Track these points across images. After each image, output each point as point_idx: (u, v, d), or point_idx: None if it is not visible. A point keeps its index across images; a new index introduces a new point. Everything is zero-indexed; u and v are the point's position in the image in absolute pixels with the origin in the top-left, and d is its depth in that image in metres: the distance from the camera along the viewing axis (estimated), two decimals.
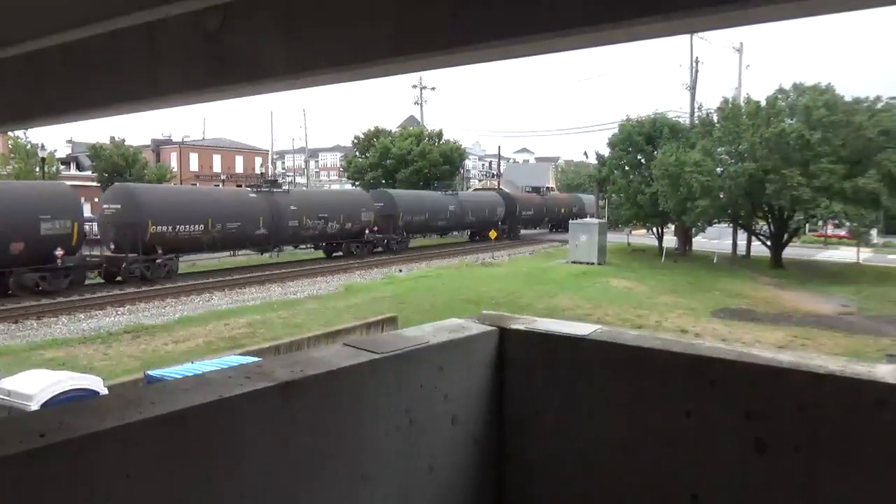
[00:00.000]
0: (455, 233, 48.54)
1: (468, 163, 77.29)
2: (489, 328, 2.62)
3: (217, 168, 69.28)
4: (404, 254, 37.83)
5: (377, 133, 57.82)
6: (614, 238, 40.88)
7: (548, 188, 72.33)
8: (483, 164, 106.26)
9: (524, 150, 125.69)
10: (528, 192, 65.03)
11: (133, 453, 1.55)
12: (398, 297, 22.97)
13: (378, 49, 2.79)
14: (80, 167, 56.89)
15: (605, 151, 42.52)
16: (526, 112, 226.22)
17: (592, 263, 32.90)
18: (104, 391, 9.09)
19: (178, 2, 2.81)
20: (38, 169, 35.68)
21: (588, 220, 39.37)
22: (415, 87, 65.38)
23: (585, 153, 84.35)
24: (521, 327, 2.63)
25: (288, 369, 1.98)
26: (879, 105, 32.51)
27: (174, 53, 3.40)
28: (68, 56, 3.63)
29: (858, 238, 38.84)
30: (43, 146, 35.78)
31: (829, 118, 30.60)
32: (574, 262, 33.26)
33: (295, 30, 3.06)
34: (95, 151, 47.32)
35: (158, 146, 67.02)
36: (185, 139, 71.04)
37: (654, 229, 41.14)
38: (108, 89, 3.64)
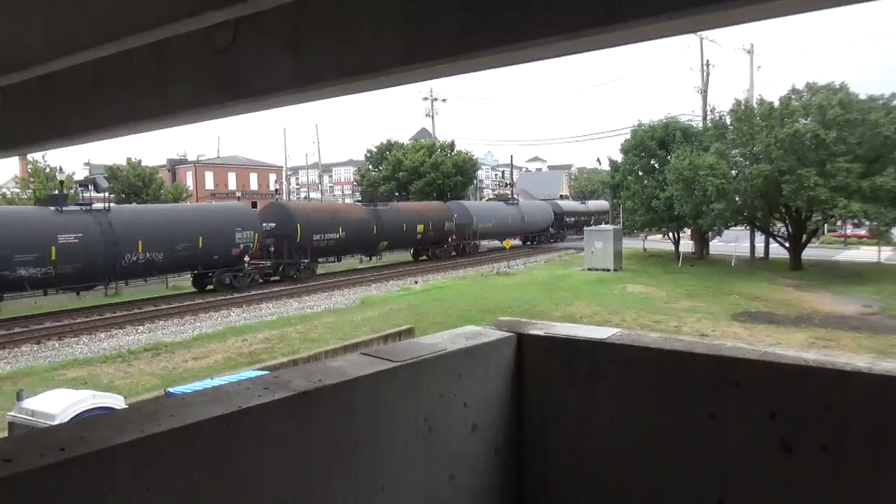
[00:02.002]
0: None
1: (481, 173, 77.33)
2: (507, 334, 2.60)
3: (232, 186, 69.93)
4: None
5: (389, 146, 58.08)
6: (630, 244, 40.64)
7: (561, 196, 70.86)
8: (496, 174, 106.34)
9: (536, 159, 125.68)
10: (348, 200, 45.24)
11: (152, 465, 1.55)
12: (414, 308, 22.96)
13: (386, 59, 2.80)
14: (97, 188, 57.55)
15: (618, 157, 42.38)
16: (538, 121, 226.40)
17: (608, 270, 32.73)
18: None
19: (187, 19, 2.84)
20: (56, 192, 36.17)
21: (603, 226, 39.13)
22: (426, 99, 65.74)
23: (598, 160, 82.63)
24: (539, 332, 2.61)
25: (305, 379, 1.97)
26: (895, 102, 32.14)
27: (185, 71, 3.44)
28: (80, 77, 3.68)
29: (879, 237, 38.30)
30: (61, 169, 36.27)
31: (844, 117, 30.28)
32: (590, 269, 33.10)
33: (304, 43, 3.08)
34: (112, 173, 47.91)
35: (174, 166, 67.77)
36: (200, 158, 71.81)
37: (670, 234, 40.85)
38: (120, 109, 3.68)
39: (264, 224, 29.50)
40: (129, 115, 3.80)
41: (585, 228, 38.89)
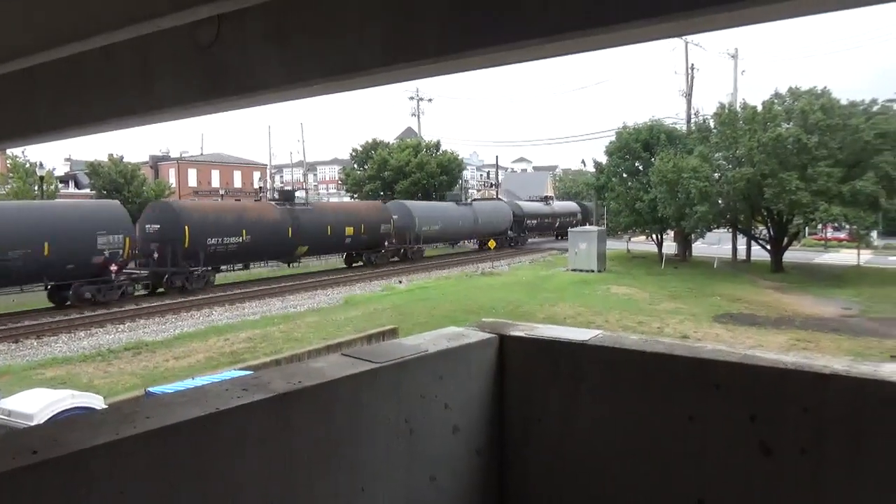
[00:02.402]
0: None
1: (466, 173, 77.35)
2: (489, 335, 2.59)
3: (216, 183, 69.42)
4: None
5: (375, 145, 57.99)
6: (613, 245, 40.86)
7: (547, 197, 69.45)
8: (481, 175, 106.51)
9: (522, 160, 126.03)
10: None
11: (127, 468, 1.53)
12: (398, 308, 22.93)
13: (369, 59, 2.78)
14: (78, 185, 57.01)
15: (603, 159, 42.62)
16: (523, 121, 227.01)
17: (592, 271, 32.89)
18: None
19: (169, 15, 2.80)
20: (36, 188, 35.71)
21: (587, 227, 39.27)
22: (412, 98, 65.66)
23: (583, 161, 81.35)
24: (521, 334, 2.61)
25: (285, 381, 1.95)
26: (875, 108, 32.63)
27: (168, 67, 3.40)
28: (61, 72, 3.63)
29: (858, 240, 38.88)
30: (41, 164, 35.83)
31: (825, 122, 30.70)
32: (574, 270, 33.24)
33: (289, 40, 3.06)
34: (94, 169, 47.42)
35: (157, 162, 67.17)
36: (183, 155, 71.23)
37: (654, 236, 41.15)
38: (101, 105, 3.64)
39: (148, 226, 25.69)
40: (111, 112, 3.75)
41: (570, 230, 38.93)
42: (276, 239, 29.08)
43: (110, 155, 48.52)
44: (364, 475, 2.09)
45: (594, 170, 45.06)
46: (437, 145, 57.60)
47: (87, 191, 50.18)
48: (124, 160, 48.81)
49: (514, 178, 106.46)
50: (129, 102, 3.64)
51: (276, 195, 34.84)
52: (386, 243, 36.14)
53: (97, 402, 9.18)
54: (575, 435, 2.43)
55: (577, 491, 2.43)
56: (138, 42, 3.29)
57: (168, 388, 9.56)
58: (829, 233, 55.23)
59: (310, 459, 1.93)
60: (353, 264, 36.08)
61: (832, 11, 2.37)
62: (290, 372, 2.06)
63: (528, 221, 51.53)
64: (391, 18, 2.78)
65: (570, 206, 62.56)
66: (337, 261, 37.52)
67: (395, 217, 36.64)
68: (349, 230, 33.22)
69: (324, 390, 1.98)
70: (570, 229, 39.43)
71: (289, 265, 32.59)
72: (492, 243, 41.71)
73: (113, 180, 45.80)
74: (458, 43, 2.61)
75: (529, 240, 52.75)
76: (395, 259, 37.49)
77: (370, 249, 35.36)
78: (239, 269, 30.11)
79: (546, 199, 60.76)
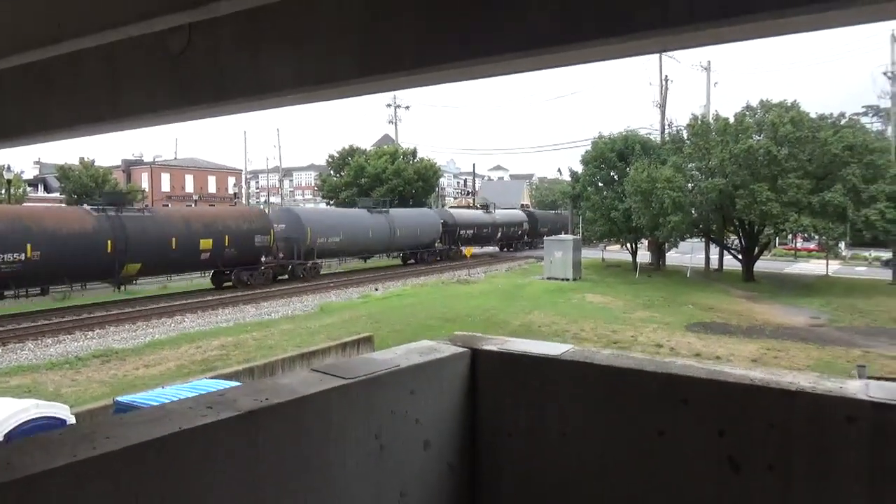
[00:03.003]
0: None
1: (443, 181, 77.42)
2: (461, 350, 2.58)
3: (190, 188, 68.62)
4: None
5: (352, 152, 57.84)
6: (588, 254, 41.16)
7: (522, 205, 69.27)
8: (458, 182, 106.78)
9: (499, 168, 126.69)
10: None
11: (86, 492, 1.48)
12: (373, 316, 22.82)
13: (344, 69, 2.77)
14: (47, 189, 55.95)
15: (579, 168, 42.99)
16: (501, 130, 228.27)
17: (568, 279, 33.09)
18: (71, 419, 8.84)
19: (138, 22, 2.76)
20: (3, 191, 34.98)
21: (563, 236, 39.46)
22: (389, 105, 65.68)
23: (559, 170, 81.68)
24: (494, 348, 2.60)
25: (252, 398, 1.92)
26: (843, 121, 33.42)
27: (137, 75, 3.35)
28: (28, 78, 3.55)
29: (827, 251, 39.69)
30: (9, 167, 35.13)
31: (795, 134, 31.33)
32: (549, 279, 33.41)
33: (261, 50, 3.03)
34: (64, 173, 46.60)
35: (129, 167, 66.25)
36: (156, 159, 70.36)
37: (628, 245, 41.55)
38: (69, 111, 3.57)
39: None
40: (79, 118, 3.69)
41: (545, 238, 39.08)
42: (85, 255, 22.23)
43: (81, 158, 47.77)
44: (333, 492, 2.06)
45: (570, 178, 45.38)
46: (414, 152, 57.65)
47: (57, 195, 49.29)
48: (96, 164, 48.05)
49: (491, 186, 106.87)
50: (97, 109, 3.58)
51: (103, 198, 26.63)
52: (264, 259, 29.88)
53: (63, 411, 8.97)
54: (545, 449, 2.43)
55: None
56: (107, 49, 3.24)
57: (138, 397, 9.38)
58: (799, 243, 56.29)
59: (278, 478, 1.90)
60: (223, 285, 28.99)
61: (814, 31, 2.41)
62: (258, 389, 2.03)
63: (462, 232, 45.26)
64: (366, 29, 2.77)
65: (515, 214, 56.70)
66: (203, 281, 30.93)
67: (280, 227, 30.66)
68: (206, 243, 26.43)
69: (292, 407, 1.95)
70: (545, 238, 39.55)
71: (117, 288, 25.43)
72: (468, 251, 41.62)
73: (84, 184, 45.04)
74: (435, 56, 2.60)
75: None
76: (285, 277, 31.49)
77: (242, 266, 28.84)
78: (32, 295, 22.56)
79: (486, 207, 54.69)
